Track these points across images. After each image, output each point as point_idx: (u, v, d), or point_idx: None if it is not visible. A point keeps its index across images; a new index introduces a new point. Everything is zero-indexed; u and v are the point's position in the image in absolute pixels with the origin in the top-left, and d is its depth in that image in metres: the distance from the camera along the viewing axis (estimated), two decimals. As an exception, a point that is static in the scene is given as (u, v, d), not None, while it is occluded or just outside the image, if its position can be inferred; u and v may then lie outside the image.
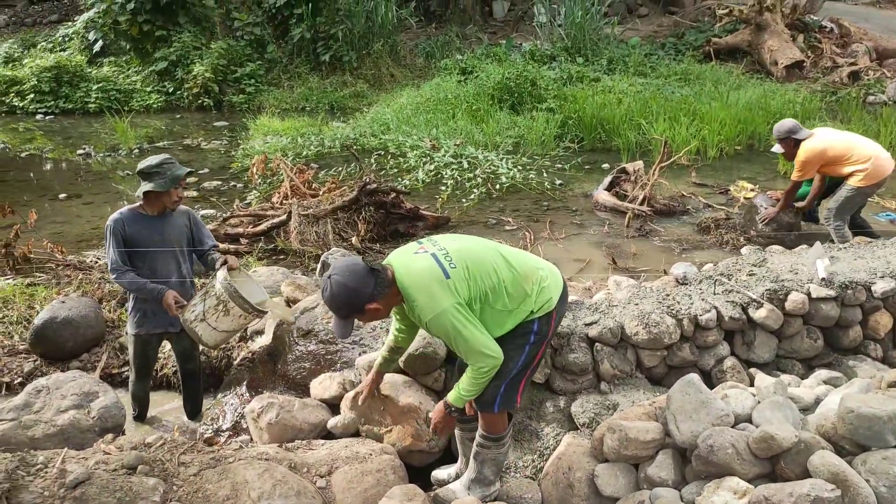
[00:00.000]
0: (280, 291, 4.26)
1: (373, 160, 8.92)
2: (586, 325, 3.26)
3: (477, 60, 12.78)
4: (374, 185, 6.47)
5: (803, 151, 5.09)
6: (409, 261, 2.41)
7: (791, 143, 5.22)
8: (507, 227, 6.69)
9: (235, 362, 3.86)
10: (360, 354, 3.35)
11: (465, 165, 8.45)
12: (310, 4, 13.13)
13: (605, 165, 8.61)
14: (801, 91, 11.44)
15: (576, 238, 6.41)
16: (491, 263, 2.47)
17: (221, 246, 5.24)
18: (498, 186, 7.82)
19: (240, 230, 6.27)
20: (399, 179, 8.08)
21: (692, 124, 8.91)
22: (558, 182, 8.02)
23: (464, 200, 7.43)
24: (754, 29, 13.70)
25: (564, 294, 2.63)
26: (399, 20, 13.90)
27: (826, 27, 14.92)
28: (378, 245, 6.35)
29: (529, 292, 2.52)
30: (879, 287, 3.11)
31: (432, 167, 8.49)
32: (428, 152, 8.98)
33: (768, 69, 13.10)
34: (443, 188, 7.78)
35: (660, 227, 6.58)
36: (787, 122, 5.32)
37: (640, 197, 6.85)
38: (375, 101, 12.76)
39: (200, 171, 8.87)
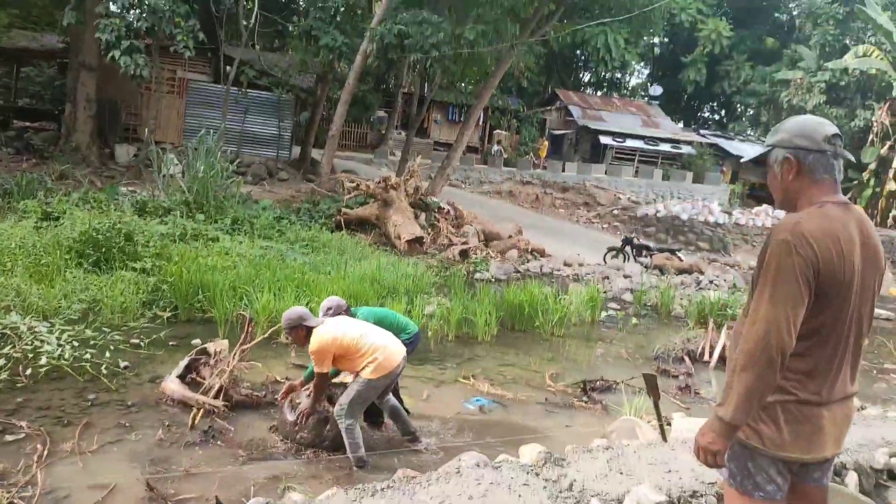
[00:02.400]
0: None
1: None
2: None
3: (69, 206, 10.60)
4: None
5: (315, 339, 4.63)
6: None
7: (302, 330, 4.74)
8: (9, 437, 4.63)
9: None
10: None
11: (-6, 340, 6.13)
12: None
13: (196, 341, 7.14)
14: (420, 265, 11.95)
15: (113, 449, 4.67)
16: None
17: None
18: (30, 371, 5.70)
19: None
20: None
21: (301, 296, 8.15)
22: (123, 364, 6.24)
23: (-41, 395, 5.13)
24: (382, 204, 14.44)
25: None
26: (-33, 148, 11.05)
27: (444, 209, 16.62)
28: None
29: None
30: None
31: (-63, 343, 5.96)
32: (-58, 320, 6.40)
33: (393, 242, 13.68)
34: (-65, 376, 5.36)
35: (233, 425, 5.26)
36: (296, 310, 4.87)
37: (216, 387, 5.52)
38: (-89, 243, 9.46)
39: None
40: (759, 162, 2.20)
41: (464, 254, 13.87)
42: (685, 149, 30.67)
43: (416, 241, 13.76)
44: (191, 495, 4.12)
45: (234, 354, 5.72)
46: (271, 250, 10.56)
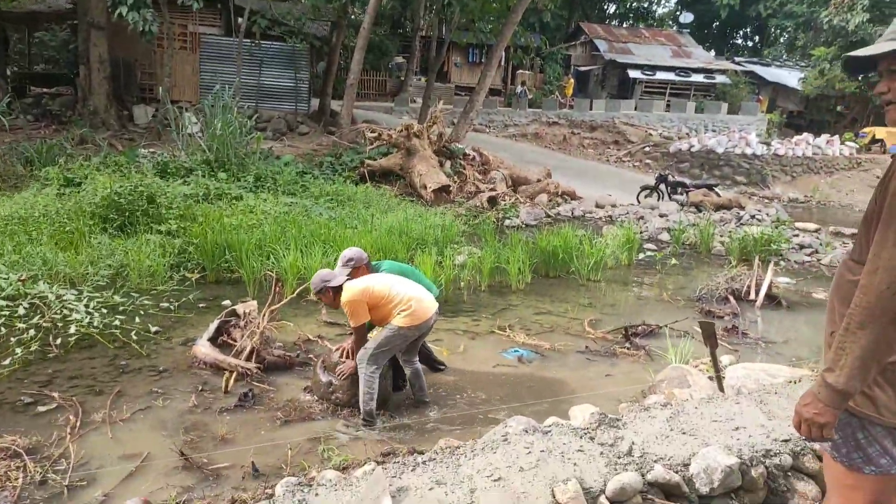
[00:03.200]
0: None
1: None
2: None
3: (90, 170, 10.47)
4: None
5: (347, 292, 4.47)
6: None
7: (329, 292, 4.59)
8: (41, 408, 4.55)
9: None
10: None
11: (22, 310, 6.07)
12: None
13: (226, 302, 7.03)
14: (448, 214, 11.65)
15: (145, 416, 4.57)
16: None
17: None
18: (60, 340, 5.63)
19: None
20: None
21: (329, 251, 7.94)
22: (154, 329, 6.14)
23: (-8, 367, 5.08)
24: (405, 153, 14.06)
25: None
26: (-15, 116, 10.92)
27: (469, 155, 16.16)
28: None
29: None
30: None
31: (-34, 315, 5.92)
32: (-29, 292, 6.35)
33: (419, 192, 13.35)
34: (-33, 349, 5.32)
35: (272, 386, 5.13)
36: (319, 274, 4.69)
37: (248, 348, 5.38)
38: (-62, 216, 9.46)
39: None
40: (863, 65, 1.76)
41: (492, 200, 13.50)
42: (719, 78, 29.31)
43: (443, 190, 13.41)
44: (226, 463, 4.00)
45: (264, 315, 5.56)
46: (296, 206, 10.35)
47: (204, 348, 5.53)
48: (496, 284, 8.21)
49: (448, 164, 14.99)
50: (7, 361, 5.17)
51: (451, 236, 9.70)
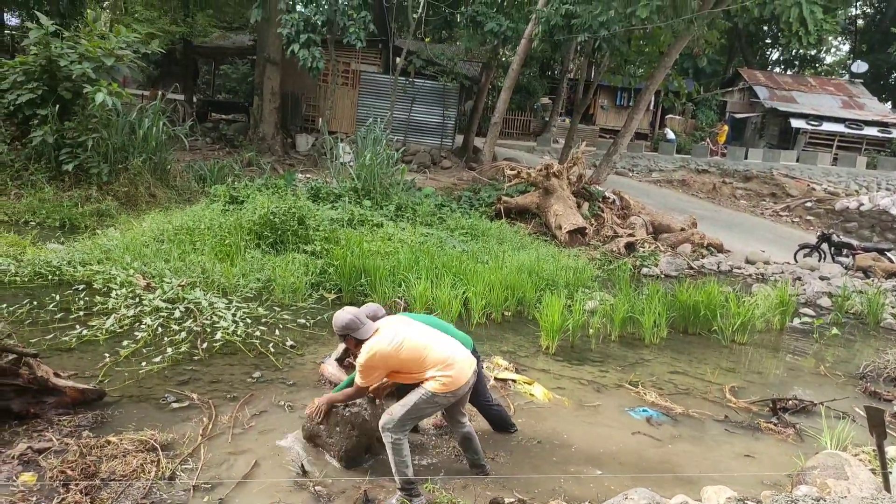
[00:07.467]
0: None
1: (57, 297, 6.82)
2: None
3: (252, 191, 11.41)
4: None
5: (366, 352, 3.90)
6: None
7: (352, 340, 4.05)
8: (175, 405, 4.90)
9: None
10: None
11: (178, 313, 6.65)
12: (57, 106, 11.16)
13: (357, 325, 7.26)
14: (581, 257, 11.37)
15: (271, 427, 4.76)
16: None
17: None
18: (206, 345, 6.08)
19: None
20: (72, 328, 6.07)
21: (458, 284, 7.98)
22: (290, 343, 6.46)
23: (143, 363, 5.56)
24: (543, 192, 13.96)
25: None
26: (170, 136, 12.30)
27: (609, 198, 15.71)
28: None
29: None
30: None
31: (132, 312, 6.59)
32: (140, 292, 7.10)
33: (554, 232, 13.16)
34: (126, 343, 5.90)
35: (388, 414, 5.17)
36: (343, 315, 4.04)
37: (371, 373, 5.48)
38: (123, 222, 10.75)
39: None
40: None
41: (630, 246, 12.97)
42: (897, 133, 26.45)
43: (578, 232, 13.11)
44: (338, 478, 4.07)
45: (389, 342, 5.63)
46: (431, 237, 10.57)
47: (331, 367, 5.70)
48: (628, 336, 7.80)
49: (586, 206, 14.66)
50: (158, 359, 5.65)
51: (583, 280, 9.40)
